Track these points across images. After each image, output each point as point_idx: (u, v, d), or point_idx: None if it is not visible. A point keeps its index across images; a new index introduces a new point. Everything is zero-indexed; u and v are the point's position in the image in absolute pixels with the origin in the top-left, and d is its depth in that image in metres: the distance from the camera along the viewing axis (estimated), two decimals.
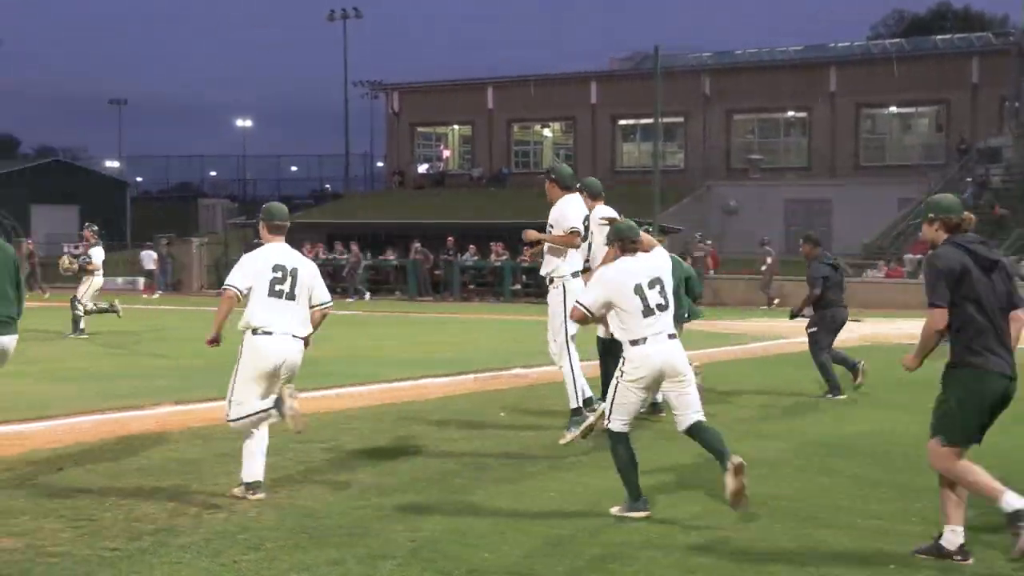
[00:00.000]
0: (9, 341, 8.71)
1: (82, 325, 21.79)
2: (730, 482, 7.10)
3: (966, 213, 6.56)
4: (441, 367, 16.06)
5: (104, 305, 22.35)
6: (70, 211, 60.53)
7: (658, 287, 7.46)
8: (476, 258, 39.94)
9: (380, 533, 6.94)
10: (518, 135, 59.48)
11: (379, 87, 66.06)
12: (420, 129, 61.32)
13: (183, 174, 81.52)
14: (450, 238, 40.42)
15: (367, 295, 39.06)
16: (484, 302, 36.79)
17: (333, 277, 39.46)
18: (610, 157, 55.59)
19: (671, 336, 7.42)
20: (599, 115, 55.81)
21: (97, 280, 22.16)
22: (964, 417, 6.30)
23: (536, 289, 37.60)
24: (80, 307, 21.84)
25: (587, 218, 10.24)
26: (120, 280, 44.45)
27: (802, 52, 55.43)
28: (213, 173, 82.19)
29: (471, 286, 39.91)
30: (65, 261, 22.68)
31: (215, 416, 11.46)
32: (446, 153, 61.24)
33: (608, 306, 7.44)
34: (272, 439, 8.15)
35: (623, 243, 7.60)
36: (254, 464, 7.98)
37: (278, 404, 7.80)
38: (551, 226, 10.32)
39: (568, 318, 9.37)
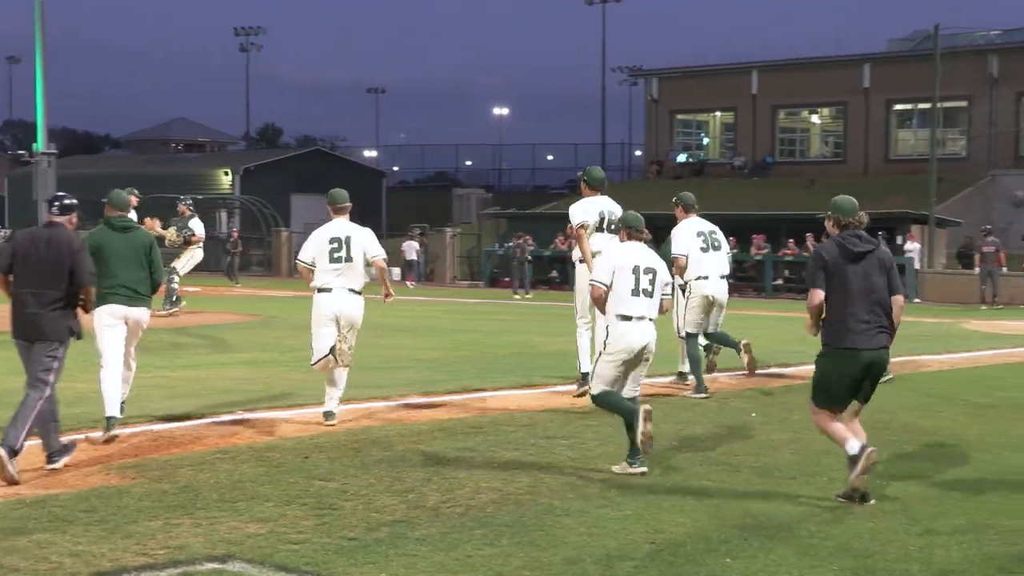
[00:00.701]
0: (138, 312, 10.04)
1: (175, 298, 22.34)
2: (642, 426, 8.59)
3: (860, 214, 8.07)
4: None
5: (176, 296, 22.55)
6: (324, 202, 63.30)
7: (650, 276, 8.83)
8: (736, 251, 39.39)
9: (619, 533, 6.95)
10: (783, 122, 58.31)
11: (638, 73, 66.06)
12: (680, 116, 60.95)
13: (439, 163, 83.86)
14: None
15: None
16: (743, 298, 36.24)
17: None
18: (883, 144, 53.78)
19: (650, 320, 8.84)
20: (872, 100, 54.07)
21: (198, 253, 22.79)
22: (824, 387, 8.01)
23: (799, 284, 36.83)
24: (176, 278, 22.43)
25: (602, 211, 11.89)
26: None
27: None
28: (468, 162, 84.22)
29: (730, 280, 39.45)
30: (172, 232, 22.80)
31: (462, 409, 11.76)
32: (706, 140, 60.67)
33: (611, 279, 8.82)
34: (516, 433, 8.27)
35: (629, 231, 9.08)
36: (330, 402, 10.77)
37: (332, 349, 10.53)
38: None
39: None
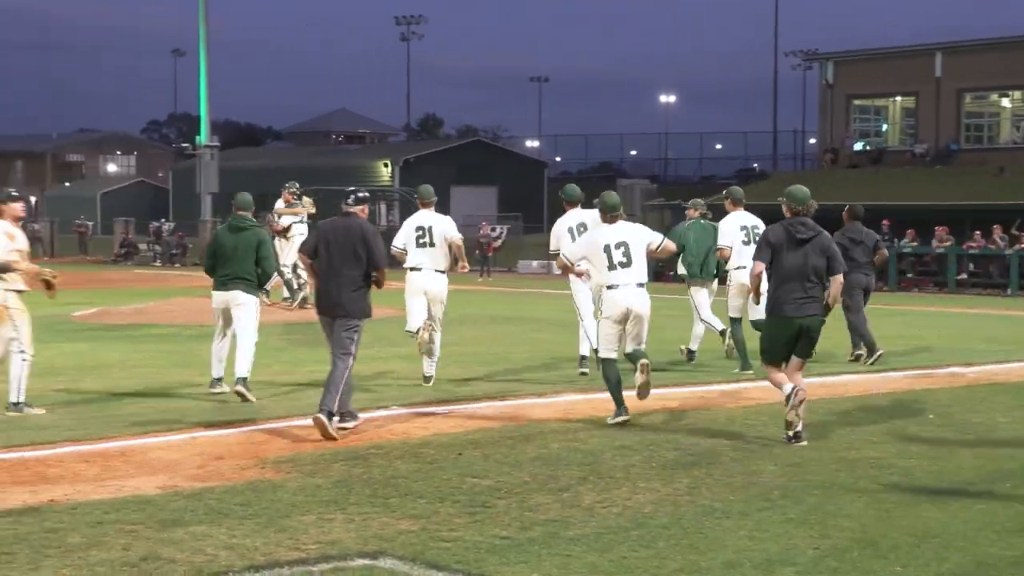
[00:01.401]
0: (243, 298, 12.08)
1: (301, 288, 21.78)
2: (639, 377, 10.55)
3: (810, 203, 9.99)
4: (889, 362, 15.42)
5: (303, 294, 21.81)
6: (488, 193, 63.70)
7: (622, 249, 10.61)
8: (915, 244, 38.41)
9: (781, 537, 6.88)
10: (970, 106, 56.49)
11: (812, 56, 64.89)
12: (857, 102, 59.60)
13: (603, 153, 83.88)
14: (885, 222, 39.08)
15: None
16: (924, 292, 35.32)
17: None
18: None
19: (639, 285, 10.68)
20: None
21: (297, 241, 20.92)
22: (768, 346, 10.07)
23: (985, 279, 35.73)
24: (289, 272, 21.87)
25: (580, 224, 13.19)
26: (535, 264, 46.17)
27: None
28: (633, 152, 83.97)
29: (909, 275, 38.44)
30: (279, 218, 22.52)
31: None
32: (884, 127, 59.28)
33: (585, 259, 10.93)
34: (677, 432, 8.23)
35: (603, 214, 10.86)
36: (429, 368, 12.96)
37: (419, 329, 12.84)
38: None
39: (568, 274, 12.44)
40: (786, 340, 9.89)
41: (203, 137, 48.70)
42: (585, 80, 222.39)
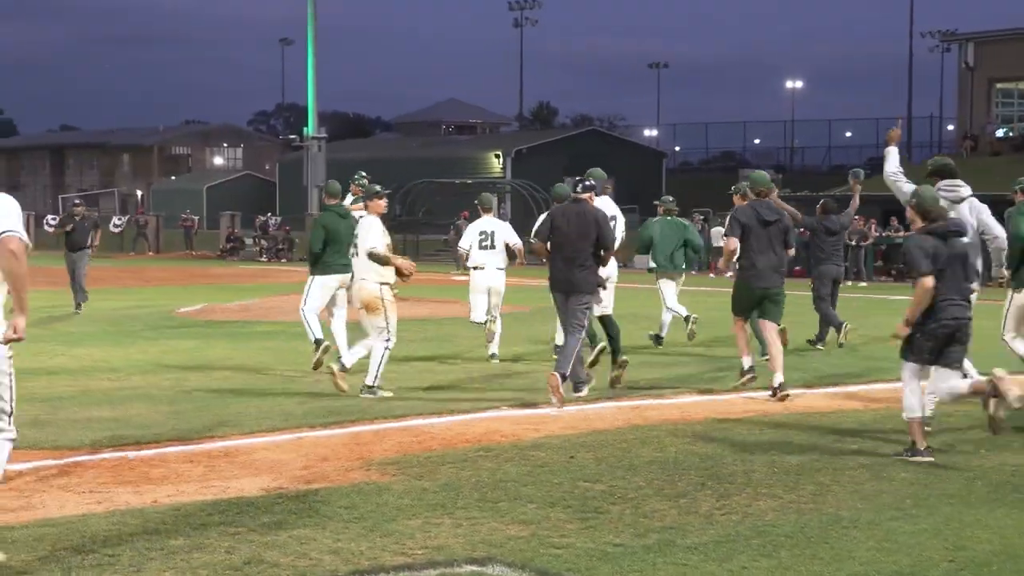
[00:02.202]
0: (345, 280, 13.64)
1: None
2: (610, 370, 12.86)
3: (772, 186, 12.59)
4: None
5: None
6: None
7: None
8: None
9: (913, 549, 6.76)
10: None
11: (951, 37, 63.66)
12: (999, 85, 58.37)
13: (724, 142, 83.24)
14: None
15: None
16: None
17: (887, 258, 38.70)
18: None
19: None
20: None
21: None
22: (736, 303, 12.54)
23: None
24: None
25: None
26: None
27: None
28: (757, 141, 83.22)
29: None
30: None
31: (744, 407, 11.69)
32: None
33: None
34: (802, 435, 8.12)
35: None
36: (493, 347, 15.62)
37: (486, 321, 15.59)
38: None
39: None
40: (751, 302, 12.42)
41: (310, 128, 49.43)
42: (706, 65, 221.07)
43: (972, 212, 11.11)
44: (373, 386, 12.27)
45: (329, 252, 13.94)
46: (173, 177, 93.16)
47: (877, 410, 11.60)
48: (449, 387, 13.30)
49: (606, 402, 12.05)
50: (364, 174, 23.85)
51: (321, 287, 14.10)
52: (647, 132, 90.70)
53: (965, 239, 9.59)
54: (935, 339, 9.13)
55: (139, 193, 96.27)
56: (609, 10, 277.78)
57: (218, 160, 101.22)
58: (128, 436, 9.97)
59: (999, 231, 11.31)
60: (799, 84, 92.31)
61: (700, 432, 10.36)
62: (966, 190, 11.18)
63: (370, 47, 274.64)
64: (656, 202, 18.30)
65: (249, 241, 56.10)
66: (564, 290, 12.03)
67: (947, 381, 9.26)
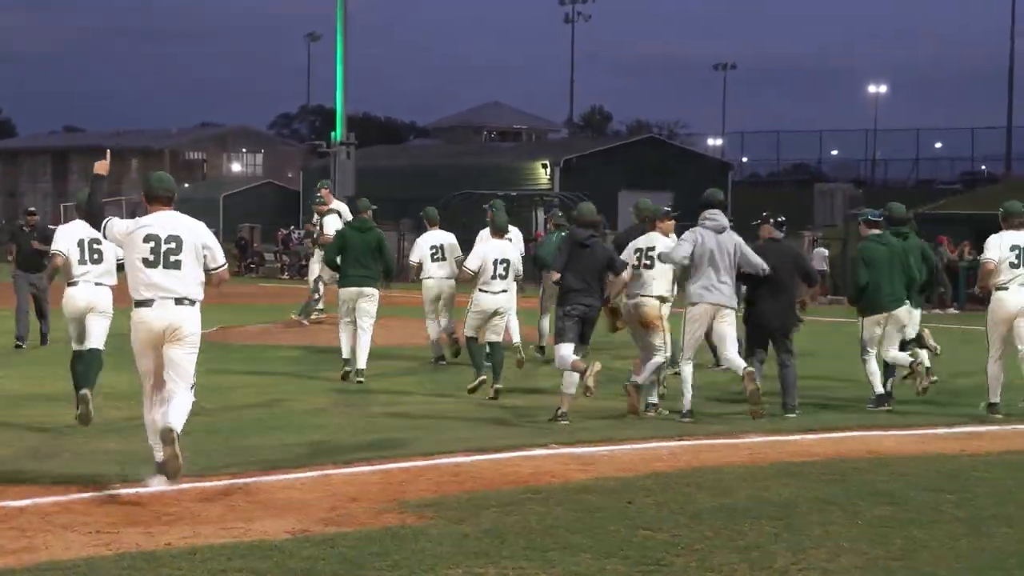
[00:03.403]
0: (370, 291, 16.63)
1: (320, 306, 23.34)
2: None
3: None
4: None
5: (320, 307, 23.49)
6: (662, 199, 63.22)
7: (504, 264, 15.66)
8: None
9: None
10: None
11: None
12: None
13: (798, 152, 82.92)
14: None
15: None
16: None
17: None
18: None
19: (503, 291, 15.66)
20: None
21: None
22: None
23: None
24: (319, 288, 23.15)
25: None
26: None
27: None
28: (834, 152, 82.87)
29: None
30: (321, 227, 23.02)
31: (822, 449, 11.62)
32: None
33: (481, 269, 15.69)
34: (889, 483, 8.03)
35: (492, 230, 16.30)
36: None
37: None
38: None
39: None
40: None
41: (339, 133, 49.60)
42: (777, 68, 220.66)
43: (732, 242, 13.81)
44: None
45: (344, 263, 16.56)
46: (187, 185, 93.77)
47: (976, 454, 11.50)
48: (497, 422, 13.30)
49: (664, 441, 12.00)
50: (327, 181, 25.35)
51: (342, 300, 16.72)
52: (711, 141, 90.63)
53: None
54: None
55: None
56: (670, 4, 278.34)
57: (236, 166, 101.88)
58: (137, 471, 10.00)
59: (757, 261, 13.90)
60: (883, 89, 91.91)
61: (771, 477, 10.30)
62: (725, 220, 13.89)
63: (404, 44, 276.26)
64: (547, 215, 19.75)
65: (269, 256, 56.35)
66: (776, 325, 14.15)
67: None
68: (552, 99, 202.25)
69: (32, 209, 22.32)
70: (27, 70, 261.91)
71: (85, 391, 12.03)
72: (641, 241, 14.17)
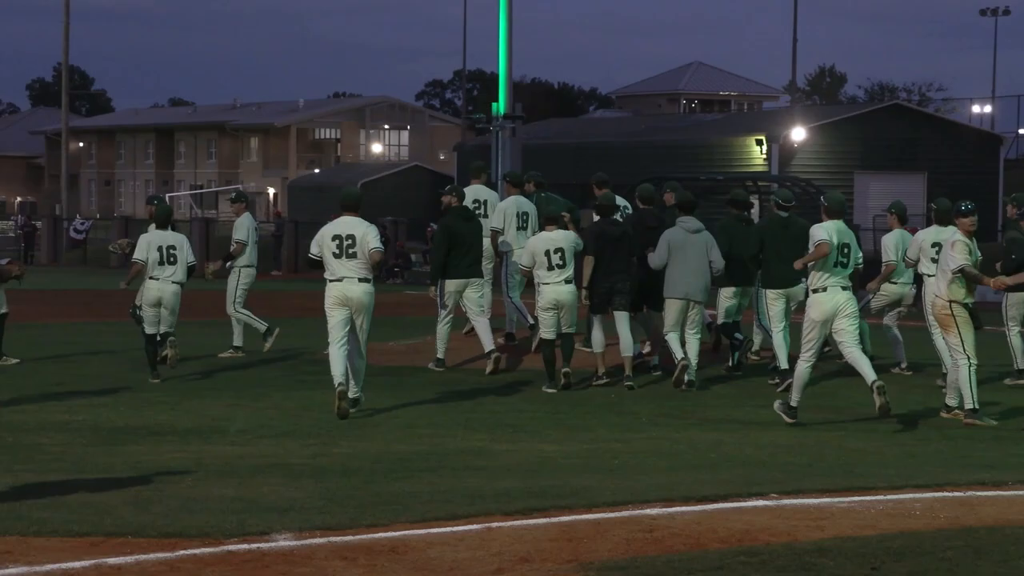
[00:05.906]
0: (479, 281, 19.94)
1: (236, 340, 23.00)
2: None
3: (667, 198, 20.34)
4: None
5: (257, 322, 23.15)
6: (913, 181, 62.16)
7: (559, 253, 18.33)
8: None
9: None
10: None
11: None
12: None
13: None
14: None
15: None
16: None
17: None
18: None
19: (567, 281, 18.48)
20: None
21: (246, 273, 23.42)
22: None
23: None
24: (239, 312, 23.05)
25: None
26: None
27: None
28: None
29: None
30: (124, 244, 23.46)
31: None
32: None
33: (532, 263, 18.59)
34: None
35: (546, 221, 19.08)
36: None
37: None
38: None
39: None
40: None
41: (502, 105, 49.81)
42: None
43: (705, 243, 18.52)
44: (976, 409, 15.48)
45: (452, 256, 19.50)
46: (317, 170, 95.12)
47: None
48: (701, 466, 13.22)
49: (913, 492, 11.76)
50: (241, 187, 25.28)
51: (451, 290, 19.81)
52: (976, 108, 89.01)
53: None
54: None
55: (271, 191, 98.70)
56: None
57: (376, 147, 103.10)
58: (259, 521, 10.13)
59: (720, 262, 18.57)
60: None
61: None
62: (696, 224, 18.54)
63: None
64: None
65: (417, 258, 56.31)
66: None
67: None
68: (769, 59, 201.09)
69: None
70: (125, 33, 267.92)
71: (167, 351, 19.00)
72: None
